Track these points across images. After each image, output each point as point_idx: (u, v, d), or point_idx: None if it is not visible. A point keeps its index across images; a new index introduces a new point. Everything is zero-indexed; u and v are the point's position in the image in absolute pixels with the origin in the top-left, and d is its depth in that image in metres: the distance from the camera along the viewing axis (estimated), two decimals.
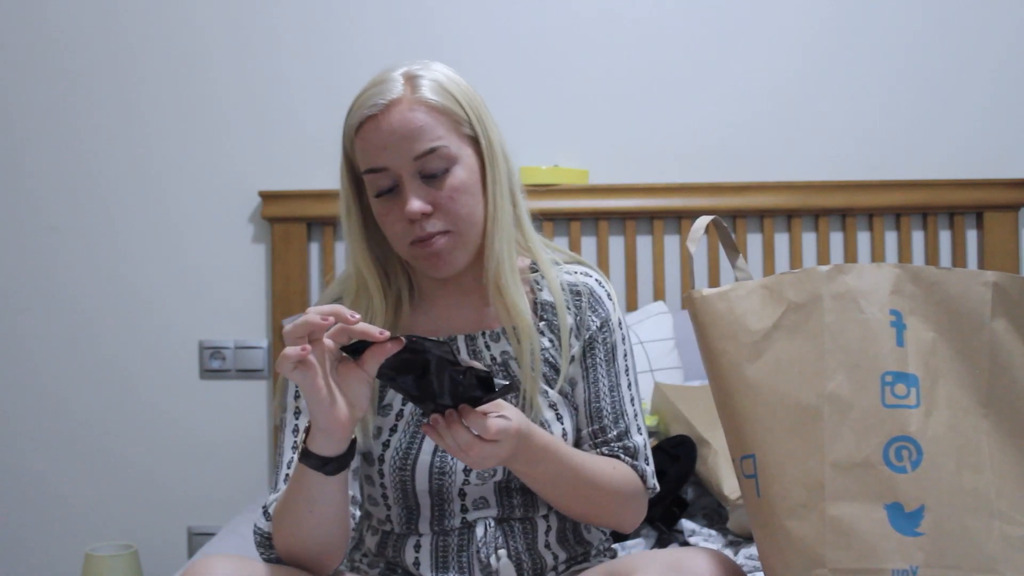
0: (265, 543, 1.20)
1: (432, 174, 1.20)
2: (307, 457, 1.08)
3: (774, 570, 1.01)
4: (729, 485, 1.79)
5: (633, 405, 1.32)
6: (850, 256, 2.47)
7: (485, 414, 1.05)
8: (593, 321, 1.31)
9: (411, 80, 1.21)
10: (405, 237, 1.22)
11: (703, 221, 1.13)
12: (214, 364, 2.51)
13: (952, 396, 1.00)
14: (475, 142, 1.24)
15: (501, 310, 1.26)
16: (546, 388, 1.27)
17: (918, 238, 2.49)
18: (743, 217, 2.47)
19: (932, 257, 2.46)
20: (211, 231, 2.53)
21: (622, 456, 1.28)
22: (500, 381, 1.05)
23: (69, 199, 2.53)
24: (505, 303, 1.25)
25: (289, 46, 2.52)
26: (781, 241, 2.50)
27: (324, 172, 2.48)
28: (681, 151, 2.50)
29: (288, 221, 2.47)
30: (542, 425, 1.25)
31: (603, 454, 1.28)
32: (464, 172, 1.22)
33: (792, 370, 1.01)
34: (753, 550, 1.70)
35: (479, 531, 1.24)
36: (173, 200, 2.53)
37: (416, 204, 1.19)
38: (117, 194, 2.53)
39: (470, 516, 1.25)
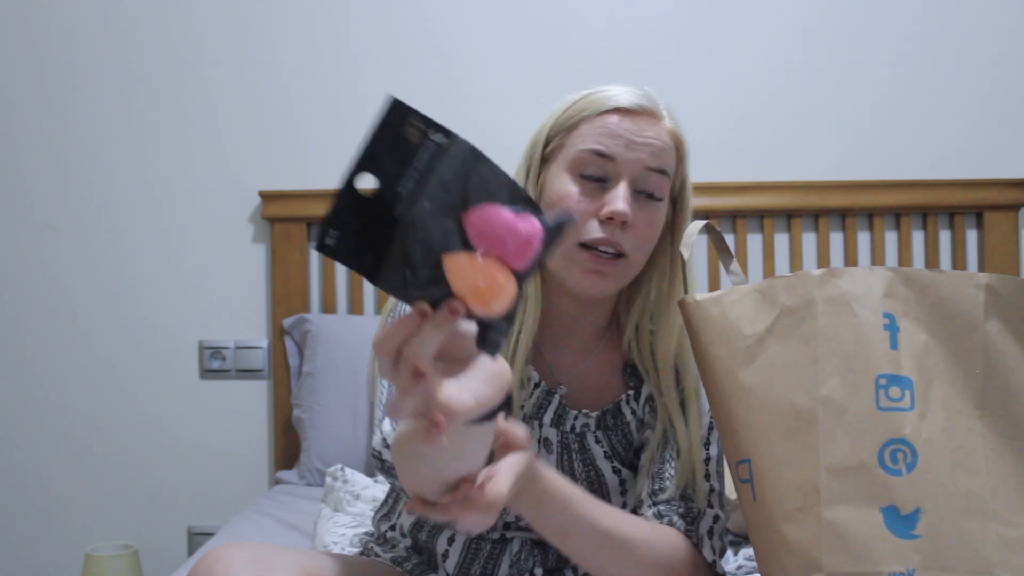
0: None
1: (648, 192, 1.15)
2: None
3: (771, 575, 1.01)
4: (728, 485, 1.78)
5: (708, 481, 1.20)
6: (850, 256, 2.46)
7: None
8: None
9: (671, 114, 1.22)
10: (584, 233, 1.13)
11: (695, 226, 1.13)
12: (214, 364, 2.51)
13: (946, 398, 1.00)
14: (672, 203, 1.21)
15: (652, 380, 1.21)
16: (620, 466, 1.22)
17: (918, 238, 2.49)
18: (743, 217, 2.46)
19: (932, 257, 2.45)
20: (211, 231, 2.53)
21: (674, 518, 1.15)
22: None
23: (68, 199, 2.54)
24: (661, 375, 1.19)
25: (288, 46, 2.52)
26: (781, 241, 2.49)
27: (324, 172, 2.49)
28: None
29: (288, 221, 2.47)
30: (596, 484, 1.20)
31: (658, 514, 1.16)
32: (662, 216, 1.18)
33: (786, 374, 1.01)
34: (752, 551, 1.69)
35: (514, 546, 1.22)
36: (173, 200, 2.53)
37: (625, 206, 1.12)
38: (116, 194, 2.53)
39: (510, 533, 1.23)
